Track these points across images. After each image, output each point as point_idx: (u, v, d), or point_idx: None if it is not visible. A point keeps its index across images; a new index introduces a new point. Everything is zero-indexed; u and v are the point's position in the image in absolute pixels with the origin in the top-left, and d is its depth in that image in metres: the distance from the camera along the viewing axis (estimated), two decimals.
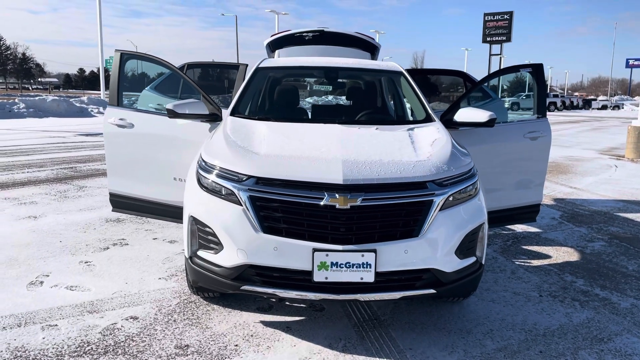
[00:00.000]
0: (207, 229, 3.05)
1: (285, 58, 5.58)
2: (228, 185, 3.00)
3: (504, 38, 58.40)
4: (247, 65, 5.32)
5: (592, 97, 77.50)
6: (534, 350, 3.10)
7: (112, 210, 4.65)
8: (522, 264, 4.67)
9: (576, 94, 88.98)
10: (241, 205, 2.93)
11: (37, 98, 24.12)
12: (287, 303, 3.66)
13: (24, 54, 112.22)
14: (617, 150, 15.01)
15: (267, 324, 3.36)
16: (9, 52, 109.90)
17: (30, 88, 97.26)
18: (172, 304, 3.60)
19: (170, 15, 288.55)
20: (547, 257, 4.90)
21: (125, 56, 4.54)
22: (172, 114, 3.92)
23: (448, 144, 3.46)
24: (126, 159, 4.49)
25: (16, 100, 23.10)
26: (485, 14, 59.50)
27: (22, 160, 9.92)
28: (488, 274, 4.36)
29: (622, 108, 59.68)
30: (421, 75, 5.61)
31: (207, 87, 5.30)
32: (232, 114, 4.03)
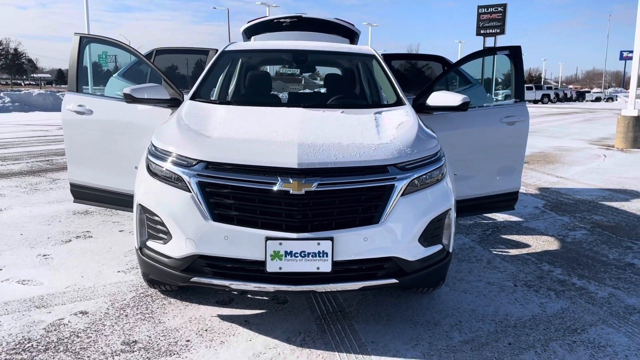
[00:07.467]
0: (156, 218, 2.87)
1: (254, 41, 5.39)
2: (177, 170, 2.82)
3: (498, 30, 58.06)
4: (217, 50, 5.13)
5: (586, 89, 77.36)
6: (502, 342, 2.94)
7: (74, 202, 4.45)
8: (500, 253, 4.50)
9: (570, 86, 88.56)
10: (190, 192, 2.75)
11: (22, 92, 23.80)
12: (248, 296, 3.49)
13: (15, 50, 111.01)
14: (607, 140, 14.87)
15: (224, 318, 3.18)
16: (0, 47, 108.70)
17: (22, 84, 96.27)
18: (126, 298, 3.42)
19: (161, 10, 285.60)
20: (526, 246, 4.74)
21: (84, 40, 4.34)
22: (130, 98, 3.72)
23: (414, 127, 3.28)
24: (86, 147, 4.29)
25: (1, 95, 22.75)
26: (479, 7, 59.23)
27: None
28: (463, 263, 4.20)
29: (616, 100, 59.62)
30: (398, 60, 5.44)
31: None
32: (193, 98, 3.84)
